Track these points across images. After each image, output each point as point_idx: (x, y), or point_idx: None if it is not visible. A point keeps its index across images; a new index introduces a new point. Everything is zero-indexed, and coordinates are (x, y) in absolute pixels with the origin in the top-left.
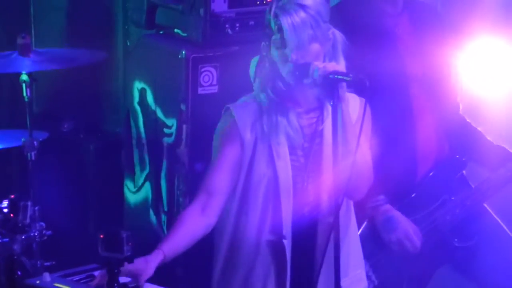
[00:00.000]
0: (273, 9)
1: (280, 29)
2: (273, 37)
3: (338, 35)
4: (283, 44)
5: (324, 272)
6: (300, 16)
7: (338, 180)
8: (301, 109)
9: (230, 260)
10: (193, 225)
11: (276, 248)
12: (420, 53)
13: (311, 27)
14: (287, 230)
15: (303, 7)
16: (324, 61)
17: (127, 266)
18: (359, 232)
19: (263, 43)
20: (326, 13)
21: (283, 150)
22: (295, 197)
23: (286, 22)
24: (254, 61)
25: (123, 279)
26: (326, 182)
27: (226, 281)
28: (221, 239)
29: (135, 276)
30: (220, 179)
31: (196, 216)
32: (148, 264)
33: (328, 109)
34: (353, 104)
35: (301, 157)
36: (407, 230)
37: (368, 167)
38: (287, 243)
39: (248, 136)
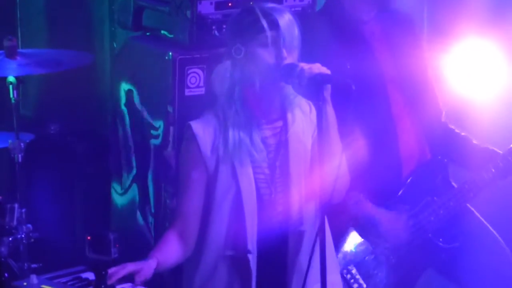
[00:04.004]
0: (260, 8)
1: (274, 26)
2: (261, 35)
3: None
4: (275, 41)
5: (295, 281)
6: (289, 17)
7: (323, 182)
8: (265, 119)
9: (194, 274)
10: (173, 250)
11: (241, 263)
12: (395, 59)
13: (297, 29)
14: (252, 245)
15: (289, 11)
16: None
17: (128, 269)
18: (346, 236)
19: (236, 46)
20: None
21: (246, 168)
22: (262, 210)
23: (282, 19)
24: (219, 71)
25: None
26: (296, 191)
27: None
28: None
29: (133, 277)
30: (193, 202)
31: (174, 243)
32: (149, 266)
33: (291, 118)
34: (306, 108)
35: (266, 169)
36: (388, 223)
37: (345, 168)
38: (252, 257)
39: (209, 154)
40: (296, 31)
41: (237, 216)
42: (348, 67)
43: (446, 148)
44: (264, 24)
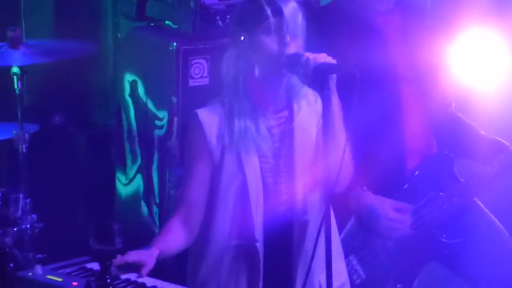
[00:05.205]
0: (242, 24)
1: (278, 13)
2: (265, 22)
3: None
4: (279, 28)
5: (301, 269)
6: (293, 4)
7: (327, 172)
8: (270, 109)
9: (200, 265)
10: (176, 238)
11: (248, 251)
12: (408, 50)
13: (300, 17)
14: (259, 233)
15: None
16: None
17: (132, 257)
18: (347, 227)
19: (240, 34)
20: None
21: (252, 157)
22: (267, 199)
23: (285, 6)
24: (227, 59)
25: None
26: (301, 181)
27: (200, 283)
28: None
29: (138, 268)
30: (197, 191)
31: (178, 229)
32: (151, 257)
33: (296, 108)
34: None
35: (271, 158)
36: (389, 213)
37: (348, 157)
38: (260, 245)
39: (214, 143)
40: (300, 19)
41: (243, 205)
42: (357, 58)
43: (453, 138)
44: (268, 11)
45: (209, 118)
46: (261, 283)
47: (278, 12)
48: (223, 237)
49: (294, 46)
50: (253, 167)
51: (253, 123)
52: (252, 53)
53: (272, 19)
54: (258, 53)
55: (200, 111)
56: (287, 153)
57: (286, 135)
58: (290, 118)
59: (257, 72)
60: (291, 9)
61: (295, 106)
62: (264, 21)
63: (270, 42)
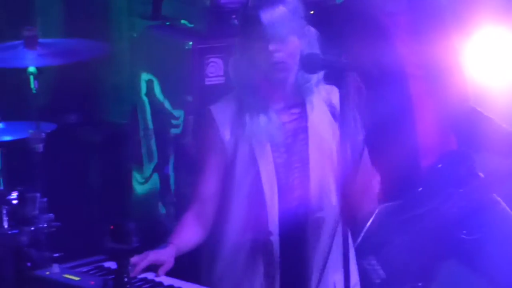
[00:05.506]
0: (250, 2)
1: (258, 22)
2: (251, 29)
3: (314, 33)
4: (261, 37)
5: (316, 267)
6: (279, 9)
7: (344, 171)
8: (281, 105)
9: (216, 261)
10: (190, 233)
11: (264, 245)
12: (423, 48)
13: (289, 20)
14: (273, 227)
15: (281, 1)
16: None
17: (151, 258)
18: (366, 227)
19: (236, 39)
20: (302, 9)
21: (265, 148)
22: (281, 193)
23: (265, 14)
24: (232, 59)
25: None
26: (315, 177)
27: (216, 279)
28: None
29: (156, 267)
30: (210, 185)
31: (192, 225)
32: (170, 256)
33: (310, 105)
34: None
35: (284, 153)
36: None
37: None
38: (275, 239)
39: (228, 137)
40: (287, 24)
41: (257, 198)
42: (372, 56)
43: (473, 133)
44: (250, 21)
45: (222, 114)
46: (278, 280)
47: (258, 22)
48: (238, 232)
49: (288, 48)
50: (266, 160)
51: (265, 117)
52: (244, 59)
53: (253, 28)
54: (248, 60)
55: (213, 107)
56: (301, 149)
57: (299, 131)
58: (304, 114)
59: (256, 74)
60: (278, 15)
61: (308, 103)
62: (247, 30)
63: (254, 50)
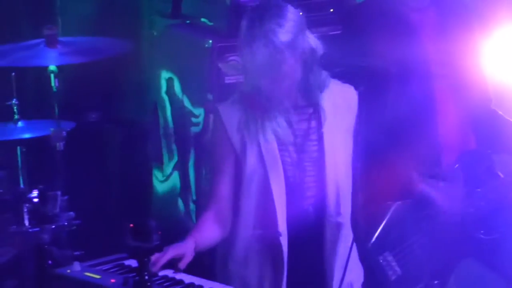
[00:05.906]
0: (252, 9)
1: (251, 29)
2: (244, 37)
3: (317, 44)
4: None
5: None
6: (281, 18)
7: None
8: (289, 104)
9: (228, 259)
10: (210, 231)
11: (272, 244)
12: (445, 47)
13: (291, 27)
14: (282, 226)
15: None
16: (301, 70)
17: (171, 253)
18: (382, 224)
19: (239, 40)
20: (302, 22)
21: (271, 146)
22: (290, 192)
23: (247, 56)
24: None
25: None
26: (332, 180)
27: (226, 276)
28: None
29: (177, 261)
30: (226, 185)
31: (212, 223)
32: (189, 248)
33: (324, 106)
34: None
35: (293, 152)
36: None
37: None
38: (283, 239)
39: (235, 135)
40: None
41: (265, 196)
42: (393, 54)
43: (494, 134)
44: (245, 27)
45: (229, 112)
46: (284, 280)
47: (251, 28)
48: (247, 230)
49: (292, 55)
50: (273, 158)
51: (272, 115)
52: (248, 62)
53: (247, 34)
54: (245, 65)
55: (220, 105)
56: (313, 149)
57: (312, 131)
58: (317, 115)
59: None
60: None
61: (321, 103)
62: (244, 35)
63: (249, 56)
